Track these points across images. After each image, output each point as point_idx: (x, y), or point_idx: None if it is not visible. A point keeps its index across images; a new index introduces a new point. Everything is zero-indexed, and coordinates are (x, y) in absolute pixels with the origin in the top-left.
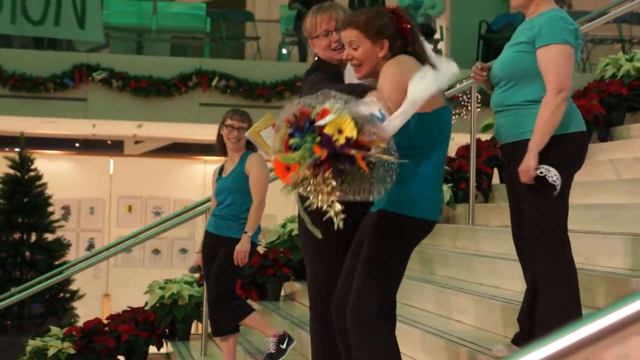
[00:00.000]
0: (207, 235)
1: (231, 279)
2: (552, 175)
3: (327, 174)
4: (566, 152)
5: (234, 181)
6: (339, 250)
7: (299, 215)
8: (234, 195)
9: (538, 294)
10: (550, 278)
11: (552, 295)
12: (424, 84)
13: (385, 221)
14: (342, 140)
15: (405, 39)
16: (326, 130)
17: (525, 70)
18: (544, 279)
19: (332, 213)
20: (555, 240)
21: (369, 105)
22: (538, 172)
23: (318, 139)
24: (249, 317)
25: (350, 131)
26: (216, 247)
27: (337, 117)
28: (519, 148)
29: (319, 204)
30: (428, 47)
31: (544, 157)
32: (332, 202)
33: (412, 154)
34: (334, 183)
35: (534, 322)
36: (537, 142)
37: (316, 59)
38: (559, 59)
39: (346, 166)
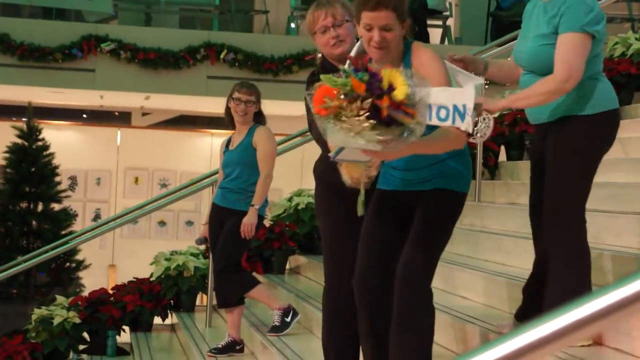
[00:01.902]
0: (214, 207)
1: (237, 251)
2: (485, 126)
3: (362, 111)
4: (597, 132)
5: (241, 154)
6: (353, 226)
7: (315, 191)
8: (241, 168)
9: (548, 271)
10: (564, 256)
11: (565, 275)
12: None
13: (445, 199)
14: (385, 87)
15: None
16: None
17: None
18: (558, 257)
19: (363, 143)
20: (573, 220)
21: (464, 95)
22: (482, 117)
23: (366, 77)
24: (255, 290)
25: (400, 91)
26: (223, 219)
27: (394, 74)
28: (553, 127)
29: (348, 133)
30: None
31: (576, 137)
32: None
33: None
34: (366, 122)
35: (539, 297)
36: (513, 100)
37: (319, 55)
38: (574, 48)
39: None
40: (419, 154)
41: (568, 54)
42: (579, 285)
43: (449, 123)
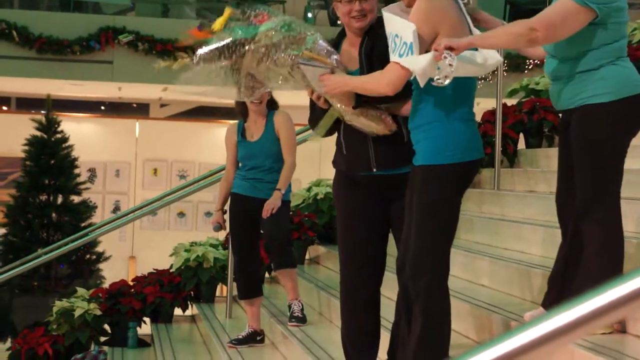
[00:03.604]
0: (239, 197)
1: (286, 229)
2: (448, 64)
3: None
4: (623, 117)
5: (267, 145)
6: (369, 219)
7: (333, 181)
8: (270, 159)
9: (578, 262)
10: (598, 247)
11: (599, 264)
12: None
13: (425, 176)
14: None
15: None
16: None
17: (579, 47)
18: (591, 248)
19: None
20: (607, 208)
21: (405, 28)
22: (445, 54)
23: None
24: (294, 270)
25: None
26: (252, 209)
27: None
28: (576, 113)
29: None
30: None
31: (600, 123)
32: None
33: (434, 96)
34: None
35: (567, 287)
36: (478, 38)
37: (339, 22)
38: (562, 11)
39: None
40: None
41: (550, 11)
42: (612, 275)
43: (404, 60)
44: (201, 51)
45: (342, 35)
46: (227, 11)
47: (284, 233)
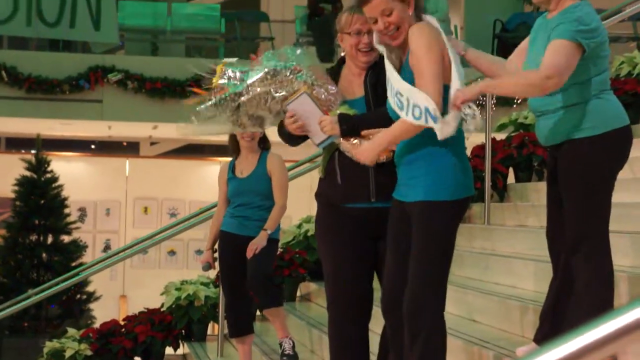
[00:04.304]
0: (227, 236)
1: (269, 269)
2: (471, 117)
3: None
4: (610, 150)
5: (257, 182)
6: (357, 255)
7: (316, 216)
8: (259, 197)
9: (570, 297)
10: (590, 280)
11: (590, 298)
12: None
13: (429, 211)
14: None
15: None
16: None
17: None
18: (583, 280)
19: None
20: (597, 241)
21: (417, 96)
22: (467, 107)
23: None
24: (281, 308)
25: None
26: (239, 247)
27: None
28: (562, 148)
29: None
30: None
31: (587, 157)
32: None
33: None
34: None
35: (558, 320)
36: (488, 86)
37: (342, 54)
38: (561, 52)
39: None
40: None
41: (555, 56)
42: (603, 309)
43: (422, 122)
44: (200, 108)
45: (342, 62)
46: (219, 67)
47: (264, 272)
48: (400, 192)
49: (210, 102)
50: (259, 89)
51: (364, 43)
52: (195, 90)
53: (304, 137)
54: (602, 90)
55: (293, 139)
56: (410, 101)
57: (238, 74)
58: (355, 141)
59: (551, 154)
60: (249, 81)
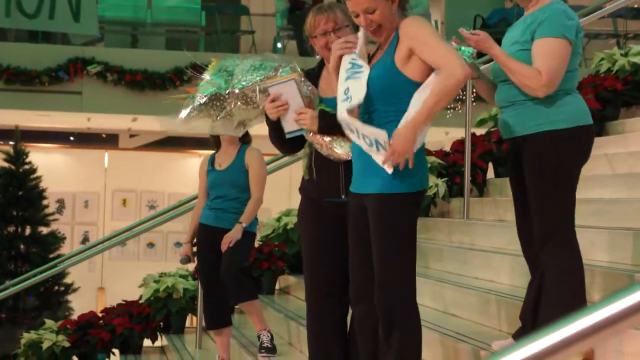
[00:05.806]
0: (204, 228)
1: (243, 262)
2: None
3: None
4: (576, 146)
5: (234, 174)
6: (336, 247)
7: (298, 211)
8: (236, 189)
9: (544, 290)
10: (559, 275)
11: (560, 292)
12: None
13: (385, 204)
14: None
15: None
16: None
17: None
18: (552, 275)
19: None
20: (564, 236)
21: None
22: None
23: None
24: (256, 301)
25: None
26: (216, 239)
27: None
28: (529, 141)
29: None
30: None
31: (553, 151)
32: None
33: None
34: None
35: (536, 320)
36: (505, 58)
37: (317, 57)
38: (554, 52)
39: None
40: None
41: (549, 59)
42: (573, 303)
43: (373, 150)
44: (184, 111)
45: (322, 64)
46: (213, 64)
47: (237, 265)
48: (356, 183)
49: (197, 102)
50: (244, 82)
51: (331, 41)
52: (187, 89)
53: (297, 146)
54: (571, 87)
55: (285, 146)
56: (359, 131)
57: (228, 70)
58: (328, 138)
59: (513, 149)
60: (237, 73)
